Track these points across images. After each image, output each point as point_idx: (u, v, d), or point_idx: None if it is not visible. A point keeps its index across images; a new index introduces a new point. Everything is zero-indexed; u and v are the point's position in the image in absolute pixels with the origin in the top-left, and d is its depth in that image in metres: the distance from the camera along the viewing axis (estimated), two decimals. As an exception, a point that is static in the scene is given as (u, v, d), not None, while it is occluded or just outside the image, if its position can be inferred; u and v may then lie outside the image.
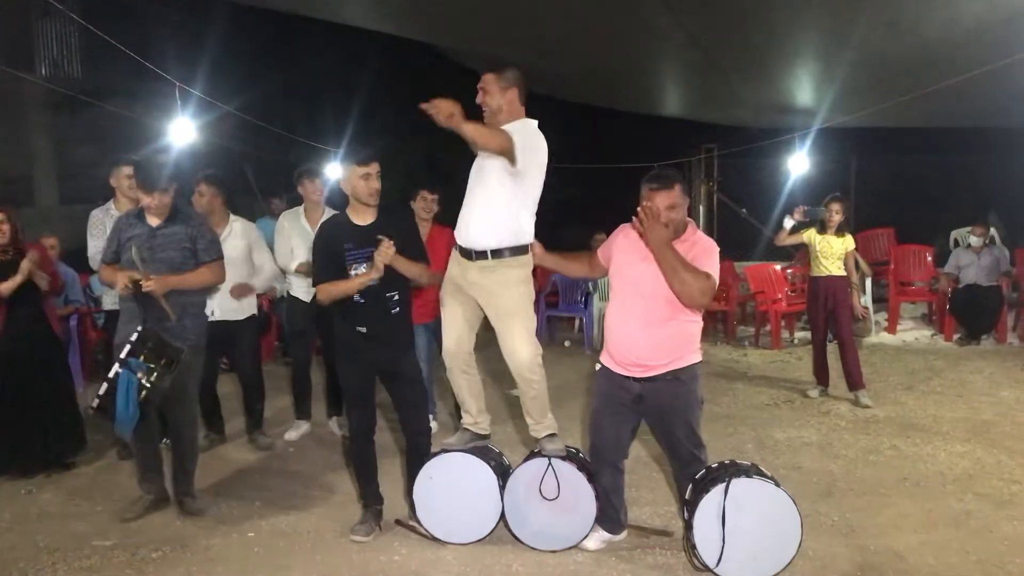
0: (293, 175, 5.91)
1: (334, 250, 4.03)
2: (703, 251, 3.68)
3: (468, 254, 3.90)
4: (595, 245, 4.20)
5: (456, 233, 3.98)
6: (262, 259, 5.60)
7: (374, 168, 4.01)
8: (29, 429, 5.13)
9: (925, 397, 6.87)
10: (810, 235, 6.79)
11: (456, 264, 4.01)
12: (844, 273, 6.70)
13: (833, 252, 6.67)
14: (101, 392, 4.06)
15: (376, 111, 13.97)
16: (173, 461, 4.64)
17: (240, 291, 5.40)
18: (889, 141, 13.18)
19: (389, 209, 4.15)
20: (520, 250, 3.87)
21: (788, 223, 6.76)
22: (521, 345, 3.91)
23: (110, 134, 11.13)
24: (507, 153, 3.65)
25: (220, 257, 4.53)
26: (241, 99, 10.47)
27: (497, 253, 3.84)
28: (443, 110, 3.40)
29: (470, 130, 3.51)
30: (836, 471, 5.09)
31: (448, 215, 4.21)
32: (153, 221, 4.33)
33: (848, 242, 6.71)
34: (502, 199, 3.80)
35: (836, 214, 6.67)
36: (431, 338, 5.59)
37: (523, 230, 3.86)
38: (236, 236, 5.45)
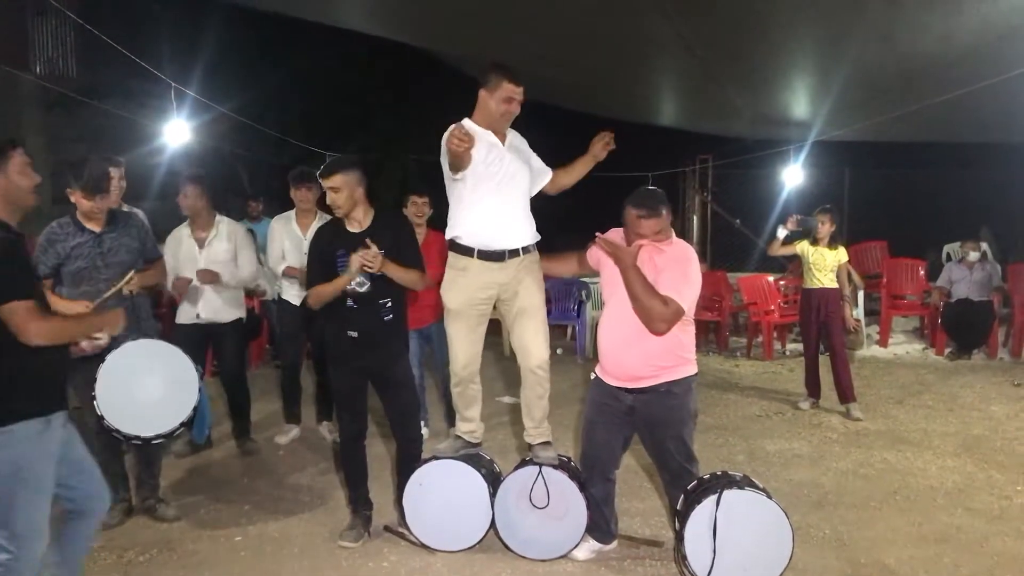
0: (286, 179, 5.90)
1: (327, 255, 4.02)
2: (671, 260, 3.66)
3: (500, 256, 3.90)
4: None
5: (475, 238, 3.92)
6: (244, 260, 5.50)
7: (328, 183, 3.94)
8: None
9: (916, 411, 6.88)
10: (803, 247, 6.82)
11: (477, 273, 3.92)
12: (836, 285, 6.72)
13: (826, 264, 6.69)
14: (195, 404, 4.05)
15: (371, 114, 13.97)
16: (139, 465, 4.56)
17: (204, 276, 5.26)
18: (883, 155, 13.24)
19: (385, 214, 4.13)
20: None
21: (781, 233, 6.78)
22: (539, 342, 3.99)
23: (104, 133, 11.11)
24: None
25: (162, 255, 4.64)
26: (236, 100, 10.47)
27: (528, 249, 4.01)
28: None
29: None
30: (827, 484, 5.08)
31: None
32: (95, 227, 4.25)
33: (841, 254, 6.74)
34: (527, 200, 4.04)
35: (824, 225, 6.70)
36: (424, 344, 5.58)
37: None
38: (222, 238, 5.40)
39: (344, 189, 3.93)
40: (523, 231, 3.99)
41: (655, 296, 3.53)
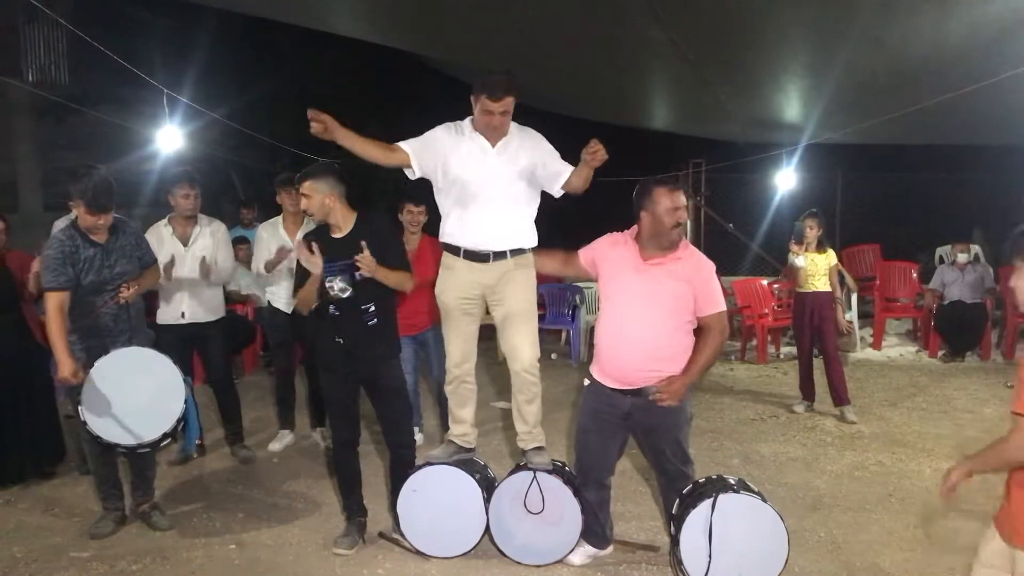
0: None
1: None
2: (707, 282, 3.74)
3: (485, 257, 3.89)
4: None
5: (460, 239, 3.93)
6: (223, 256, 5.49)
7: (299, 190, 4.00)
8: (9, 437, 5.05)
9: (910, 413, 6.88)
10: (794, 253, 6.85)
11: (462, 272, 3.94)
12: (829, 289, 6.74)
13: (818, 269, 6.71)
14: (180, 415, 4.07)
15: (364, 120, 13.94)
16: (132, 471, 4.54)
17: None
18: (875, 158, 13.25)
19: (368, 217, 4.10)
20: (531, 251, 4.00)
21: (801, 261, 6.74)
22: (527, 345, 3.95)
23: (96, 141, 11.08)
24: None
25: (156, 259, 4.65)
26: (229, 107, 10.44)
27: (518, 252, 3.92)
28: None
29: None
30: (822, 487, 5.08)
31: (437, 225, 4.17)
32: (100, 239, 4.22)
33: (831, 257, 6.77)
34: (525, 201, 3.95)
35: (810, 230, 6.72)
36: (417, 350, 5.56)
37: (534, 231, 4.01)
38: (206, 235, 5.42)
39: (313, 195, 3.94)
40: (509, 234, 3.91)
41: (717, 349, 3.77)
